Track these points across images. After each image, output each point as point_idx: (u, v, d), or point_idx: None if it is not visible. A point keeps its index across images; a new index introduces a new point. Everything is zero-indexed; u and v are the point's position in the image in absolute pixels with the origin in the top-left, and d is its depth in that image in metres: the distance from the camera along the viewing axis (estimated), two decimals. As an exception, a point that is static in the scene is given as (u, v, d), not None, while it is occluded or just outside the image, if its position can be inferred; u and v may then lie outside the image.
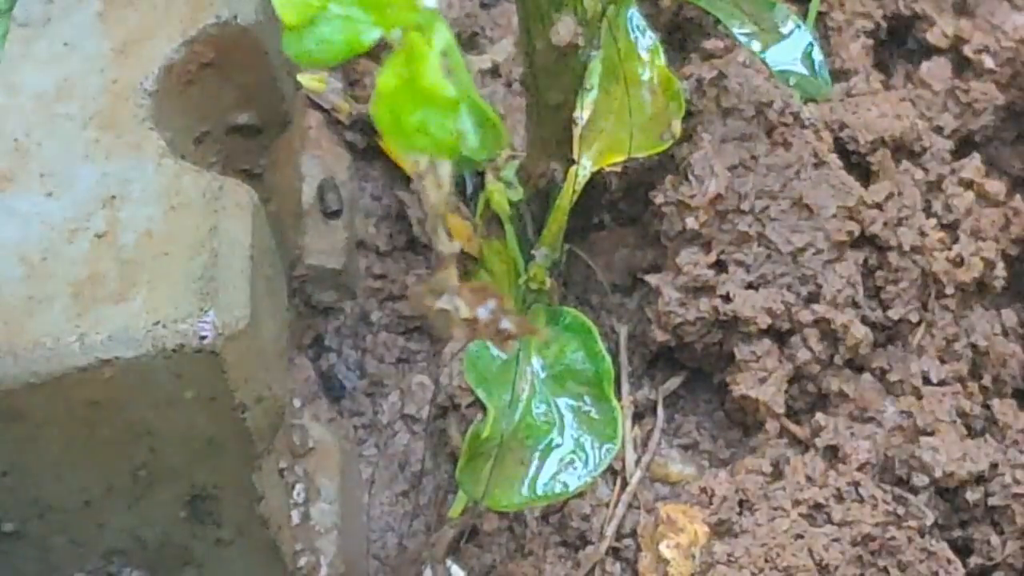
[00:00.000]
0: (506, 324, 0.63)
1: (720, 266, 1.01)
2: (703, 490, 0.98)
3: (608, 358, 0.95)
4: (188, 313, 0.74)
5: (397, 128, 0.58)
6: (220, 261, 0.76)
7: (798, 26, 1.00)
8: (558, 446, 0.94)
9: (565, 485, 0.93)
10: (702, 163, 1.00)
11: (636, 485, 1.00)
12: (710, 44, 1.10)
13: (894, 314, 1.01)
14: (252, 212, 0.80)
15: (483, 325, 0.63)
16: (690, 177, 1.00)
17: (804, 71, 1.00)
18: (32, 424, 0.75)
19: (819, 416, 1.00)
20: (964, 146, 1.11)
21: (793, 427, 1.01)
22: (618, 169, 1.04)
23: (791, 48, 1.02)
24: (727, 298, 0.99)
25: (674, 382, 1.05)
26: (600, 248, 1.07)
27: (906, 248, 1.01)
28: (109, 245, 0.77)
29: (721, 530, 0.95)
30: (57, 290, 0.75)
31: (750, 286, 1.00)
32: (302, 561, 0.90)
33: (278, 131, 0.93)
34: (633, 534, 0.99)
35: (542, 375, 0.95)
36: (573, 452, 0.93)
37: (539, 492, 0.93)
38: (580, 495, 0.98)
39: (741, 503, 0.96)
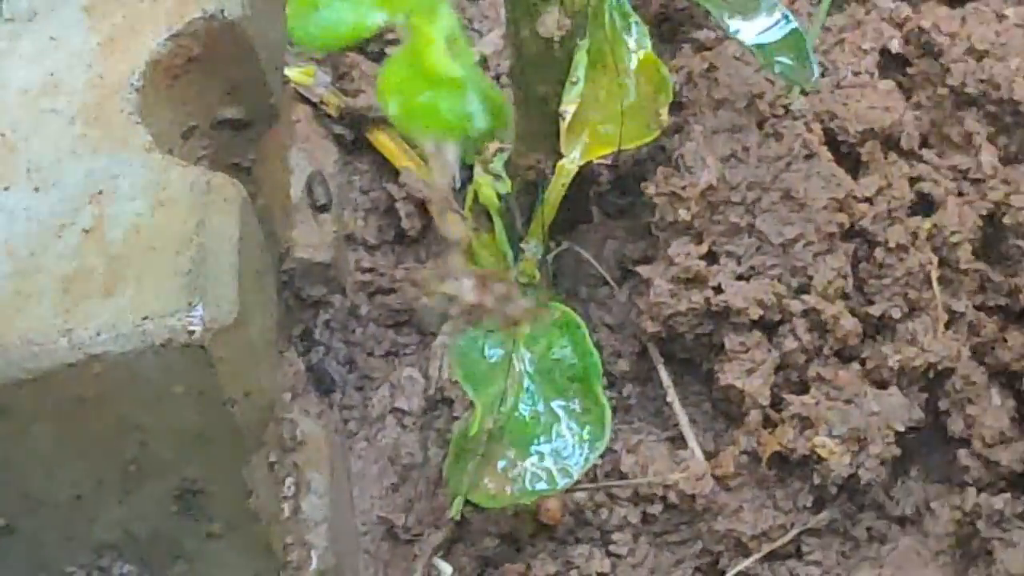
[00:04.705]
0: (512, 309, 0.63)
1: (711, 257, 1.00)
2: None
3: (596, 355, 0.95)
4: (176, 308, 0.74)
5: (406, 110, 0.58)
6: (208, 256, 0.76)
7: (785, 16, 1.00)
8: (546, 443, 0.94)
9: (553, 482, 0.93)
10: (694, 154, 1.00)
11: (625, 479, 1.01)
12: (701, 35, 1.10)
13: (881, 306, 1.01)
14: (240, 206, 0.80)
15: (489, 309, 0.63)
16: (682, 168, 1.00)
17: (791, 61, 1.00)
18: (21, 420, 0.75)
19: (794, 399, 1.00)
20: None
21: (775, 416, 1.00)
22: (607, 161, 1.04)
23: (778, 38, 1.01)
24: (718, 289, 0.99)
25: (664, 374, 1.05)
26: (589, 240, 1.07)
27: (892, 241, 1.01)
28: (97, 240, 0.77)
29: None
30: (45, 285, 0.75)
31: (741, 277, 1.00)
32: (293, 554, 0.90)
33: (266, 125, 0.92)
34: (622, 528, 0.99)
35: (530, 372, 0.95)
36: (560, 449, 0.93)
37: (527, 489, 0.93)
38: (569, 491, 0.98)
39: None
